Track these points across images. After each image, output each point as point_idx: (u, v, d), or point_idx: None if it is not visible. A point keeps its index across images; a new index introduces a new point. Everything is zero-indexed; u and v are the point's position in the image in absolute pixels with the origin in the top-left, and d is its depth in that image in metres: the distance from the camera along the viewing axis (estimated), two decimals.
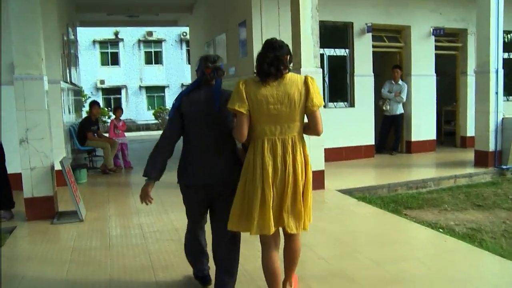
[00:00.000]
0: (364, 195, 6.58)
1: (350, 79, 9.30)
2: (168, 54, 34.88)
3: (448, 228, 5.04)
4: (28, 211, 5.42)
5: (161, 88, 34.83)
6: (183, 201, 3.17)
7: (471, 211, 5.82)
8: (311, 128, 2.91)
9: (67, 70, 8.67)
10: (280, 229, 2.92)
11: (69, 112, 8.76)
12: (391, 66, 9.86)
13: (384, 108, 9.72)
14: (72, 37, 10.61)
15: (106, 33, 32.92)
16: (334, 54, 9.14)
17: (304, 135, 3.01)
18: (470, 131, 10.33)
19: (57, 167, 5.73)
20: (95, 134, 8.76)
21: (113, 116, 9.43)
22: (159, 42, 35.06)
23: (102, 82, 33.44)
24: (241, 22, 8.92)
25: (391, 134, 9.97)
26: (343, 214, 5.36)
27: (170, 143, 3.03)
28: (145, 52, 34.99)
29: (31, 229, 5.15)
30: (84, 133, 8.46)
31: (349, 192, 6.64)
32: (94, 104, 8.74)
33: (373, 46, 9.37)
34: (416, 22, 9.67)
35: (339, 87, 9.40)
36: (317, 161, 6.59)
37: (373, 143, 9.48)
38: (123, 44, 34.15)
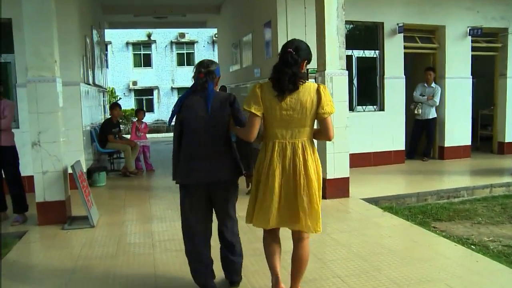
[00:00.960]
0: (390, 204, 6.18)
1: (380, 81, 8.87)
2: (200, 55, 34.89)
3: (481, 245, 4.60)
4: (40, 216, 5.31)
5: None
6: (180, 202, 3.27)
7: (508, 226, 5.34)
8: (323, 133, 3.02)
9: (90, 72, 8.62)
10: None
11: (91, 114, 8.70)
12: (423, 68, 9.38)
13: (416, 112, 9.25)
14: (98, 38, 10.59)
15: (139, 35, 33.36)
16: (363, 55, 8.74)
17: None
18: (509, 137, 9.79)
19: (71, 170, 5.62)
20: (116, 136, 8.66)
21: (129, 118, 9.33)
22: (191, 43, 35.22)
23: (134, 83, 33.83)
24: (266, 22, 8.66)
25: (423, 139, 9.47)
26: (366, 226, 4.99)
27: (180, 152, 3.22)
28: (177, 53, 35.18)
29: (41, 234, 5.02)
30: (105, 135, 8.37)
31: (375, 201, 6.26)
32: (115, 106, 8.65)
33: (405, 47, 8.91)
34: (451, 21, 9.14)
35: (368, 90, 8.99)
36: (341, 168, 6.26)
37: (404, 148, 9.02)
38: (155, 46, 34.45)
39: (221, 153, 3.15)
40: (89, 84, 8.49)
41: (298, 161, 2.88)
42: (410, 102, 9.34)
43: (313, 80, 7.25)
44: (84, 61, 7.94)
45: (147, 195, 6.91)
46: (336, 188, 6.22)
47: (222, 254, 3.39)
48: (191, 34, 34.27)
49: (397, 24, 8.63)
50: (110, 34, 31.96)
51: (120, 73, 33.58)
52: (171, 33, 34.01)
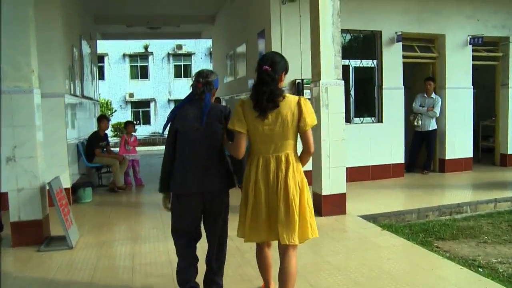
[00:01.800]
0: (390, 222, 5.84)
1: (378, 92, 8.57)
2: (197, 67, 34.63)
3: (489, 267, 4.25)
4: (14, 236, 4.95)
5: None
6: (172, 212, 3.22)
7: None
8: (303, 146, 3.00)
9: (78, 83, 8.30)
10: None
11: (78, 127, 8.36)
12: (423, 78, 9.10)
13: (415, 123, 8.94)
14: (89, 49, 10.30)
15: (136, 46, 33.20)
16: (361, 65, 8.45)
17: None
18: None
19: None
20: (104, 150, 8.32)
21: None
22: (188, 55, 35.08)
23: (131, 95, 33.60)
24: (260, 31, 8.39)
25: (423, 151, 9.15)
26: (364, 247, 4.63)
27: (172, 160, 3.17)
28: (174, 65, 35.03)
29: (14, 257, 4.66)
30: (92, 149, 8.03)
31: (373, 217, 5.91)
32: (102, 118, 8.32)
33: (404, 57, 8.62)
34: (451, 30, 8.87)
35: (366, 101, 8.69)
36: (337, 183, 5.91)
37: (403, 161, 8.68)
38: (152, 58, 34.31)
39: (214, 164, 3.13)
40: (76, 96, 8.17)
41: (280, 174, 2.91)
42: (410, 113, 9.05)
43: (308, 91, 6.95)
44: (71, 71, 7.62)
45: (133, 212, 6.56)
46: (332, 205, 5.88)
47: (205, 275, 3.36)
48: (188, 45, 34.12)
49: (396, 32, 8.36)
50: (106, 46, 31.81)
51: (116, 85, 33.35)
52: (168, 45, 33.85)
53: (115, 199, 7.61)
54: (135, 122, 31.76)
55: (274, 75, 2.88)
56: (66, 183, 7.04)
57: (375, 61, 8.52)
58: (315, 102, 5.96)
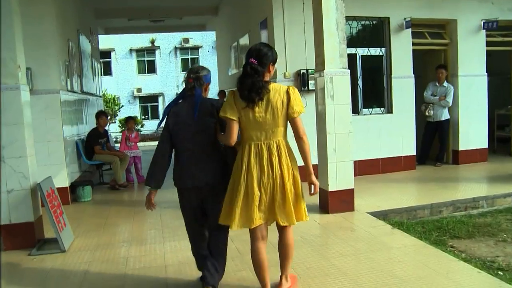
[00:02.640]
0: (401, 219, 5.52)
1: (387, 81, 8.20)
2: (205, 60, 34.36)
3: (510, 269, 3.92)
4: (5, 240, 4.74)
5: None
6: (179, 205, 3.40)
7: None
8: (294, 133, 3.08)
9: (76, 79, 8.04)
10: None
11: (78, 124, 8.12)
12: (434, 66, 8.70)
13: (427, 113, 8.56)
14: (89, 44, 10.05)
15: (143, 41, 32.98)
16: (368, 53, 8.08)
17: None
18: None
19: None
20: (105, 147, 8.09)
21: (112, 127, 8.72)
22: (195, 48, 34.79)
23: (139, 90, 33.42)
24: (262, 21, 8.05)
25: (435, 142, 8.77)
26: (373, 247, 4.31)
27: (163, 155, 3.25)
28: (181, 59, 34.78)
29: (4, 261, 4.42)
30: (91, 146, 7.80)
31: (383, 214, 5.60)
32: (100, 114, 8.06)
33: (413, 44, 8.23)
34: (464, 14, 8.44)
35: (375, 91, 8.33)
36: (345, 178, 5.60)
37: (415, 153, 8.31)
38: (159, 52, 34.08)
39: (208, 158, 3.21)
40: (75, 92, 7.91)
41: (275, 160, 3.01)
42: (421, 103, 8.67)
43: (313, 81, 6.63)
44: (67, 67, 7.36)
45: (132, 212, 6.30)
46: (339, 201, 5.57)
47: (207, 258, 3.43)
48: (195, 39, 33.81)
49: (404, 19, 7.96)
50: (113, 41, 31.69)
51: (124, 80, 33.22)
52: (175, 39, 33.58)
53: (115, 198, 7.38)
54: (144, 117, 31.61)
55: (258, 67, 2.97)
56: (64, 181, 6.87)
57: (383, 49, 8.14)
58: (320, 93, 5.64)
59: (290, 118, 3.04)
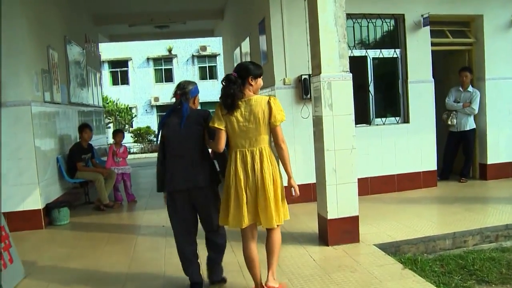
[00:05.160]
0: (416, 251, 4.58)
1: (403, 87, 7.25)
2: (222, 68, 33.75)
3: None
4: None
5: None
6: (168, 211, 3.66)
7: None
8: (274, 140, 3.40)
9: (57, 89, 7.34)
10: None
11: (61, 138, 7.42)
12: (457, 68, 7.70)
13: (449, 122, 7.56)
14: (82, 52, 9.41)
15: (160, 49, 32.68)
16: (381, 56, 7.14)
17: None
18: None
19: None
20: (89, 163, 7.37)
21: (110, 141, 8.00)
22: (213, 56, 34.24)
23: (156, 99, 33.01)
24: (260, 21, 7.23)
25: (460, 155, 7.74)
26: None
27: (162, 163, 3.62)
28: (199, 67, 34.31)
29: None
30: (73, 162, 7.08)
31: (394, 247, 4.67)
32: (84, 127, 7.33)
33: (433, 44, 7.26)
34: (491, 9, 7.44)
35: (389, 98, 7.42)
36: (347, 204, 4.69)
37: (435, 168, 7.31)
38: (177, 60, 33.71)
39: (197, 162, 3.52)
40: (56, 103, 7.21)
41: (256, 166, 3.30)
42: (442, 111, 7.68)
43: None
44: (45, 76, 6.67)
45: (106, 239, 5.51)
46: (340, 231, 4.64)
47: (207, 256, 3.80)
48: (212, 46, 33.23)
49: (422, 15, 7.01)
50: (130, 50, 31.56)
51: (141, 89, 32.91)
52: (192, 47, 33.18)
53: (96, 220, 6.62)
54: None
55: (234, 78, 3.35)
56: (37, 203, 6.19)
57: (398, 51, 7.19)
58: (315, 101, 4.76)
59: (272, 127, 3.34)
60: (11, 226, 5.89)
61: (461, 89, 7.58)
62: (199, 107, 3.64)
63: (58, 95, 7.41)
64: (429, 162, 7.22)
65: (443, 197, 6.63)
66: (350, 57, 6.80)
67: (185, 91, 3.55)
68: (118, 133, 7.77)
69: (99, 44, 12.66)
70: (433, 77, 7.31)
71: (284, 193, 3.38)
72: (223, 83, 3.38)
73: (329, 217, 4.63)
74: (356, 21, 6.99)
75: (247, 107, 3.31)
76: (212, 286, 3.76)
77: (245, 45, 8.82)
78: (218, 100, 3.40)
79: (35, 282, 4.19)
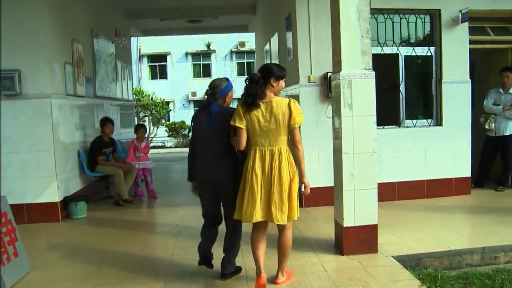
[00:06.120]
0: (439, 266, 4.21)
1: (437, 87, 6.80)
2: (261, 64, 33.57)
3: None
4: None
5: None
6: (199, 195, 3.94)
7: None
8: (291, 140, 3.56)
9: (83, 82, 7.32)
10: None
11: (83, 131, 7.40)
12: (498, 68, 7.17)
13: (487, 126, 7.05)
14: (111, 45, 9.42)
15: (198, 44, 32.88)
16: (413, 54, 6.72)
17: None
18: None
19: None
20: (111, 157, 7.32)
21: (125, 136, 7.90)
22: (251, 52, 33.94)
23: (193, 94, 33.16)
24: (287, 16, 6.95)
25: (497, 162, 7.22)
26: None
27: (191, 154, 3.91)
28: (237, 63, 34.27)
29: None
30: (94, 156, 7.05)
31: (415, 259, 4.33)
32: (106, 121, 7.27)
33: (471, 42, 6.77)
34: None
35: (421, 99, 7.02)
36: (365, 211, 4.39)
37: (470, 175, 6.82)
38: (215, 56, 33.78)
39: (222, 157, 3.72)
40: (79, 96, 7.19)
41: (274, 164, 3.47)
42: (479, 113, 7.19)
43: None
44: (66, 69, 6.65)
45: (119, 236, 5.41)
46: (357, 241, 4.34)
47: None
48: (251, 42, 32.98)
49: (460, 11, 6.54)
50: (169, 45, 31.89)
51: (179, 84, 33.17)
52: (231, 42, 33.13)
53: (113, 216, 6.55)
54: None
55: (257, 78, 3.51)
56: (54, 196, 6.18)
57: (432, 49, 6.74)
58: (335, 101, 4.47)
59: (291, 129, 3.51)
60: (29, 218, 6.00)
61: (501, 90, 7.05)
62: (234, 102, 3.64)
63: (82, 88, 7.40)
64: (462, 168, 6.74)
65: (476, 207, 6.17)
66: (380, 54, 6.58)
67: (214, 90, 3.75)
68: (140, 128, 7.70)
69: (133, 38, 12.71)
70: (473, 78, 6.84)
71: (298, 194, 3.54)
72: (246, 82, 3.54)
73: (345, 225, 4.33)
74: (388, 17, 6.60)
75: (268, 108, 3.47)
76: (222, 279, 3.90)
77: (274, 41, 8.56)
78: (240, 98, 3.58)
79: (39, 277, 4.13)
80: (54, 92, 6.21)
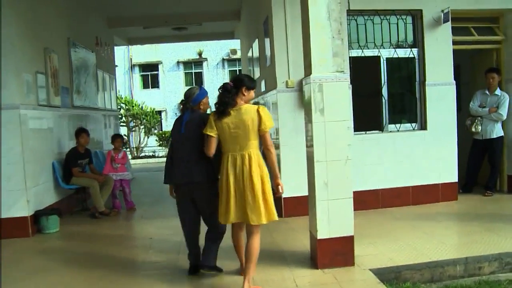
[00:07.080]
0: (419, 280, 3.97)
1: (420, 90, 6.60)
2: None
3: None
4: None
5: None
6: (176, 199, 4.13)
7: None
8: (263, 145, 3.75)
9: (56, 92, 7.08)
10: None
11: (59, 142, 7.16)
12: (483, 69, 6.98)
13: (473, 129, 6.85)
14: (91, 54, 9.20)
15: (190, 53, 32.74)
16: (395, 56, 6.52)
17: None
18: None
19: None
20: (87, 169, 7.08)
21: (110, 147, 7.66)
22: None
23: None
24: (265, 20, 6.75)
25: (485, 165, 7.01)
26: None
27: (170, 159, 4.14)
28: (229, 70, 34.09)
29: None
30: (69, 168, 6.81)
31: (395, 272, 4.09)
32: (80, 132, 7.01)
33: (455, 42, 6.57)
34: None
35: (404, 102, 6.81)
36: (340, 222, 4.16)
37: (456, 180, 6.59)
38: (207, 64, 33.64)
39: (195, 161, 3.91)
40: (54, 107, 6.95)
41: (245, 168, 3.64)
42: (465, 116, 6.98)
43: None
44: (41, 79, 6.43)
45: (87, 251, 5.15)
46: (332, 253, 4.09)
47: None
48: None
49: (442, 10, 6.34)
50: (160, 54, 31.71)
51: (171, 93, 32.92)
52: (223, 50, 33.00)
53: (87, 229, 6.28)
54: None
55: (229, 87, 3.69)
56: (24, 210, 5.93)
57: (414, 50, 6.55)
58: (306, 106, 4.25)
59: (261, 134, 3.66)
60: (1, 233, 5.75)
61: (487, 92, 6.86)
62: (210, 108, 3.98)
63: (58, 99, 7.17)
64: (449, 173, 6.52)
65: (462, 213, 5.95)
66: (361, 57, 6.37)
67: (187, 100, 3.99)
68: (117, 138, 7.46)
69: (124, 47, 12.55)
70: (458, 79, 6.65)
71: (272, 195, 3.65)
72: (220, 91, 3.72)
73: (319, 237, 4.09)
74: (369, 18, 6.41)
75: (238, 115, 3.64)
76: (202, 271, 4.02)
77: (255, 47, 8.36)
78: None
79: None
80: (23, 103, 5.98)
